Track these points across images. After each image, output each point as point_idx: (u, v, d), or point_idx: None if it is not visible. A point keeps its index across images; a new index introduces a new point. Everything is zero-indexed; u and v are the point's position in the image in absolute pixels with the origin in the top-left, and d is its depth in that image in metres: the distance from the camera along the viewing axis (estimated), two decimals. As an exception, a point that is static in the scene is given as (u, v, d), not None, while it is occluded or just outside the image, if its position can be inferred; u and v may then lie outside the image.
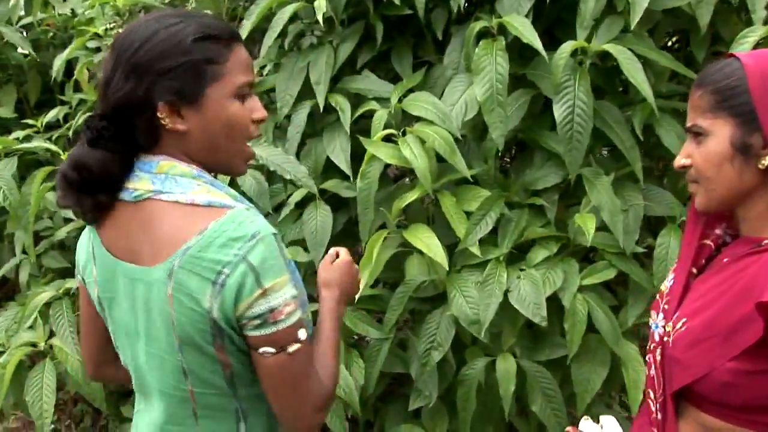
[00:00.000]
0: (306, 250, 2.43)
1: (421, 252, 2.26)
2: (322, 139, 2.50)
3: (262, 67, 2.68)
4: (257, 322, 1.22)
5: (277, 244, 1.22)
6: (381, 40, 2.44)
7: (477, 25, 2.20)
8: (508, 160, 2.63)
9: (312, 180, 2.40)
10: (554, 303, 2.13)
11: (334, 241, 2.50)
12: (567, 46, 2.07)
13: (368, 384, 2.32)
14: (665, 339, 1.27)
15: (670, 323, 1.27)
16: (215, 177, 1.37)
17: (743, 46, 1.98)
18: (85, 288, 1.44)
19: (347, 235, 2.61)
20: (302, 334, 1.26)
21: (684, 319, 1.23)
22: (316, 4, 2.37)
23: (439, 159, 2.25)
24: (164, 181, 1.25)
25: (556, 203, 2.22)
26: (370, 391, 2.32)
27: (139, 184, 1.27)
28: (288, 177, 2.38)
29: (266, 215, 2.64)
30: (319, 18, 2.34)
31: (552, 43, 2.21)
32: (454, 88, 2.27)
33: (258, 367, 1.27)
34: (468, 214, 2.18)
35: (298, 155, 2.54)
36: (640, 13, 2.05)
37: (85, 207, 1.29)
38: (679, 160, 1.27)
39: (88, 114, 1.30)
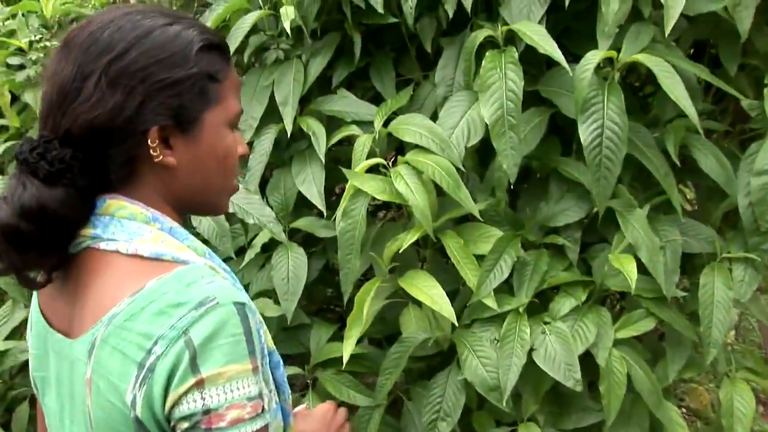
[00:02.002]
0: (276, 301, 2.05)
1: (418, 303, 1.91)
2: (290, 170, 2.13)
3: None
4: (185, 425, 0.85)
5: (241, 320, 0.86)
6: (359, 55, 2.09)
7: (480, 35, 1.86)
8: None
9: (280, 226, 2.01)
10: (581, 359, 1.80)
11: (308, 290, 2.13)
12: (593, 57, 1.75)
13: (358, 463, 1.94)
14: None
15: None
16: (184, 220, 1.04)
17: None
18: None
19: (324, 282, 2.24)
20: None
21: None
22: (282, 11, 2.00)
23: (437, 193, 1.91)
24: (107, 224, 0.93)
25: (579, 242, 1.89)
26: (361, 471, 1.94)
27: (83, 228, 0.94)
28: (251, 221, 1.98)
29: (227, 260, 2.25)
30: (287, 28, 1.98)
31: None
32: (452, 108, 1.93)
33: None
34: (477, 257, 1.83)
35: (263, 189, 2.16)
36: (675, 19, 1.74)
37: (40, 266, 0.94)
38: None
39: (29, 139, 0.92)
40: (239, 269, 2.13)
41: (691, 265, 1.98)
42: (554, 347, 1.75)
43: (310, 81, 2.11)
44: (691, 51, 2.16)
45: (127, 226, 0.92)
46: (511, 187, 2.02)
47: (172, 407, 0.84)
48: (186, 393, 0.83)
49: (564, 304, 1.83)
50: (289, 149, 2.19)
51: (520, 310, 1.81)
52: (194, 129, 0.95)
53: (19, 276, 0.92)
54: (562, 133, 2.00)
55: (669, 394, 1.93)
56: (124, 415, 0.86)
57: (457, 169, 1.83)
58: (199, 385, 0.83)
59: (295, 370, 2.06)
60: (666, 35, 1.75)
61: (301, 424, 1.19)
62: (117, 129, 0.90)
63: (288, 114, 2.07)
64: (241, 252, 2.15)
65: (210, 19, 2.09)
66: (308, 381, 2.08)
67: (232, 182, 1.03)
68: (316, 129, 2.07)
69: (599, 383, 1.77)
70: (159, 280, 0.87)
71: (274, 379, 0.99)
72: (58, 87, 0.91)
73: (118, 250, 0.90)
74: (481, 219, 1.84)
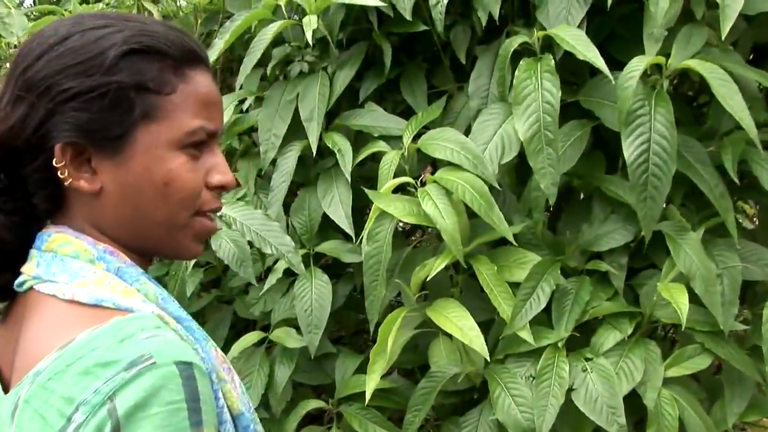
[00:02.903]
0: (298, 330, 1.92)
1: (449, 334, 1.76)
2: (316, 190, 2.00)
3: (242, 101, 2.19)
4: None
5: (183, 384, 0.70)
6: (389, 66, 1.95)
7: (514, 41, 1.71)
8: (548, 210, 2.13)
9: (299, 256, 1.87)
10: (626, 398, 1.62)
11: (335, 316, 1.99)
12: (638, 63, 1.58)
13: (385, 505, 1.79)
14: None
15: None
16: (149, 261, 0.90)
17: None
18: None
19: (353, 307, 2.10)
20: None
21: None
22: (305, 20, 1.87)
23: (469, 214, 1.76)
24: (50, 263, 0.82)
25: (625, 268, 1.72)
26: None
27: (27, 266, 0.84)
28: (268, 251, 1.85)
29: (246, 287, 2.14)
30: (309, 38, 1.85)
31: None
32: (486, 122, 1.77)
33: None
34: (511, 285, 1.67)
35: (287, 210, 2.03)
36: (732, 20, 1.56)
37: None
38: None
39: None
40: (260, 295, 2.01)
41: (752, 294, 1.79)
42: (596, 387, 1.58)
43: (337, 94, 1.97)
44: (751, 56, 1.97)
45: (69, 265, 0.80)
46: (551, 207, 1.86)
47: None
48: None
49: (608, 337, 1.66)
50: (315, 167, 2.06)
51: (559, 344, 1.64)
52: (120, 149, 0.80)
53: None
54: (606, 148, 1.83)
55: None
56: None
57: (492, 188, 1.68)
58: None
59: (318, 403, 1.93)
60: (723, 38, 1.57)
61: None
62: (21, 147, 0.79)
63: (313, 130, 1.93)
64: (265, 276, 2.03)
65: (230, 30, 1.97)
66: (333, 415, 1.95)
67: (189, 219, 0.85)
68: (342, 146, 1.94)
69: (647, 427, 1.59)
70: (91, 333, 0.73)
71: None
72: None
73: (56, 294, 0.78)
74: (515, 243, 1.68)
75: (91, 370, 0.70)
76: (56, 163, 0.79)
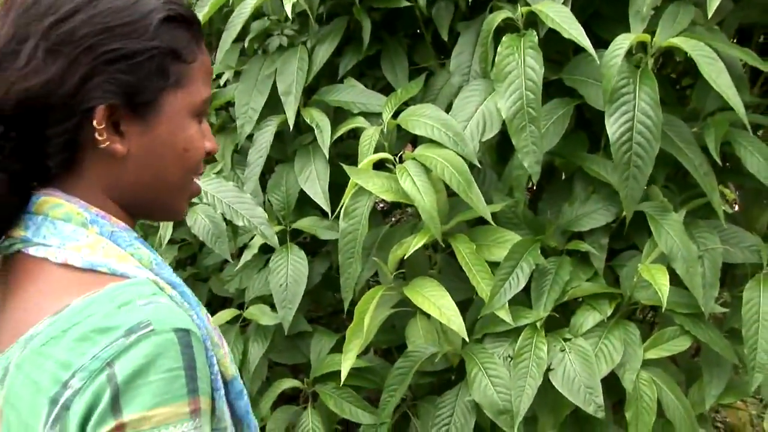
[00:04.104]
0: (273, 308, 1.89)
1: (426, 313, 1.73)
2: (293, 166, 1.96)
3: (219, 75, 2.14)
4: None
5: (181, 351, 0.71)
6: (369, 41, 1.91)
7: (498, 16, 1.68)
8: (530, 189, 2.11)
9: (272, 229, 1.83)
10: (605, 380, 1.61)
11: (312, 294, 1.97)
12: (623, 40, 1.55)
13: (360, 487, 1.77)
14: None
15: None
16: (136, 224, 0.90)
17: None
18: None
19: (330, 286, 2.07)
20: None
21: None
22: (284, -7, 1.83)
23: (450, 192, 1.73)
24: (40, 226, 0.79)
25: (606, 249, 1.70)
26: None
27: (15, 228, 0.81)
28: (240, 223, 1.81)
29: (222, 265, 2.11)
30: (288, 12, 1.80)
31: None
32: (467, 98, 1.74)
33: None
34: (491, 264, 1.64)
35: (264, 186, 2.00)
36: (719, -1, 1.54)
37: None
38: None
39: None
40: (235, 272, 1.97)
41: (731, 276, 1.78)
42: (574, 367, 1.56)
43: (316, 69, 1.93)
44: (734, 39, 1.95)
45: (60, 228, 0.78)
46: (532, 187, 1.84)
47: None
48: None
49: (587, 318, 1.64)
50: (293, 143, 2.02)
51: (538, 324, 1.62)
52: (149, 114, 0.80)
53: None
54: (589, 127, 1.81)
55: (705, 421, 1.73)
56: None
57: (473, 166, 1.65)
58: (120, 430, 0.67)
59: (293, 383, 1.90)
60: (709, 16, 1.54)
61: None
62: (55, 105, 0.76)
63: (290, 105, 1.90)
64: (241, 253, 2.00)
65: (208, 3, 1.92)
66: (309, 394, 1.92)
67: (191, 182, 0.88)
68: (320, 121, 1.90)
69: (625, 409, 1.58)
70: (86, 299, 0.73)
71: (235, 411, 0.86)
72: None
73: (47, 257, 0.76)
74: (494, 222, 1.65)
75: (89, 336, 0.70)
76: (97, 125, 0.77)
